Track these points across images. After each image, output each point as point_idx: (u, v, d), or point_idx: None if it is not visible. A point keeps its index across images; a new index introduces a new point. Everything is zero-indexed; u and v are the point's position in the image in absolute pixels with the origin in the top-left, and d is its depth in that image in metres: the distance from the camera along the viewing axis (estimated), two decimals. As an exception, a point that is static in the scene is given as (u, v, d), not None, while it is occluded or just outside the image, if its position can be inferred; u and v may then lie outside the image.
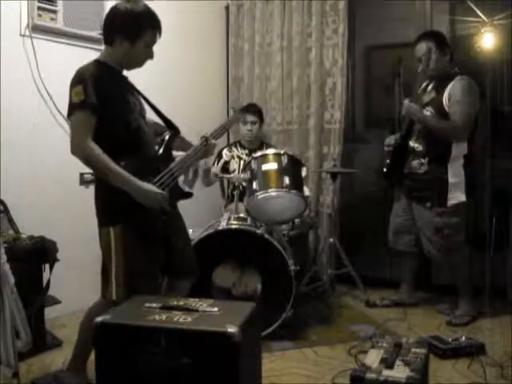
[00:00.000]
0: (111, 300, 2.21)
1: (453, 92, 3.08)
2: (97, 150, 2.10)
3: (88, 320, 2.29)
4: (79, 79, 2.12)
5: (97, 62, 2.24)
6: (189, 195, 2.40)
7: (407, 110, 3.16)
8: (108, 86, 2.17)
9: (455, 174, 3.12)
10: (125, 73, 2.34)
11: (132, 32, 2.19)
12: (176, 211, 2.45)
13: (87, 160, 2.12)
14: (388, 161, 3.33)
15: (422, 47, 3.16)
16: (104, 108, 2.12)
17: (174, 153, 2.43)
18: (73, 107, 2.12)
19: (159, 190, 2.19)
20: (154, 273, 2.28)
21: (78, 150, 2.11)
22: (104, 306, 2.24)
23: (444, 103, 3.10)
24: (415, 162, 3.21)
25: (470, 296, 3.26)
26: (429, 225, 3.20)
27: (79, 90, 2.09)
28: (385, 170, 3.36)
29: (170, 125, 2.42)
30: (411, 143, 3.22)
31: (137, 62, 2.29)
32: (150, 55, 2.28)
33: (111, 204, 2.18)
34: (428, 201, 3.18)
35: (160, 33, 2.28)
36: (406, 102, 3.19)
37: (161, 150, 2.33)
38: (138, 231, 2.18)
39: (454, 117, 3.06)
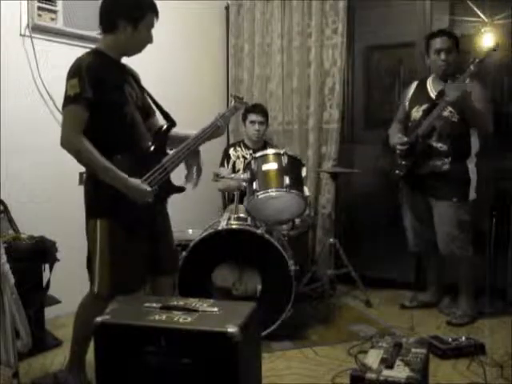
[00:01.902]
0: (94, 293, 2.23)
1: (472, 91, 3.02)
2: (87, 145, 2.10)
3: (79, 316, 2.32)
4: (75, 71, 2.11)
5: (95, 51, 2.24)
6: (181, 190, 2.38)
7: (457, 90, 2.92)
8: (104, 77, 2.16)
9: (472, 171, 3.14)
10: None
11: (135, 15, 2.19)
12: (164, 208, 2.45)
13: (77, 155, 2.13)
14: (404, 162, 3.25)
15: (441, 41, 3.10)
16: (99, 100, 2.12)
17: (185, 131, 2.42)
18: (67, 100, 2.12)
19: (145, 186, 2.19)
20: (138, 267, 2.28)
21: (68, 144, 2.12)
22: (90, 299, 2.28)
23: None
24: (437, 162, 3.15)
25: (471, 296, 3.25)
26: (453, 221, 3.15)
27: (74, 83, 2.09)
28: (398, 171, 3.28)
29: (167, 117, 2.41)
30: (433, 143, 3.15)
31: (139, 47, 2.29)
32: (150, 39, 2.29)
33: (99, 197, 2.20)
34: (454, 196, 3.13)
35: (157, 15, 2.27)
36: (451, 83, 3.01)
37: (154, 145, 2.33)
38: (125, 225, 2.19)
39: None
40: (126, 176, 2.15)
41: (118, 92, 2.22)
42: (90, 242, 2.24)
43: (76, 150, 2.12)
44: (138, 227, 2.24)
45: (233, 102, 2.64)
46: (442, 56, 3.11)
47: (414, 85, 3.36)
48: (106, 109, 2.16)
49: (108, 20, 2.23)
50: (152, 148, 2.31)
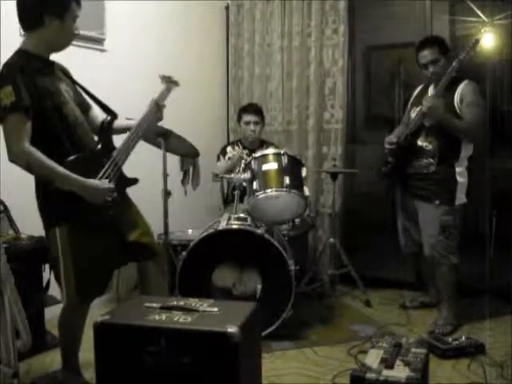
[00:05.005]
0: (65, 303, 2.19)
1: (465, 95, 3.04)
2: (37, 155, 1.99)
3: (61, 324, 2.29)
4: (7, 77, 1.98)
5: (22, 52, 2.11)
6: (135, 181, 2.32)
7: (432, 105, 2.98)
8: (39, 79, 2.05)
9: (462, 174, 3.10)
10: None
11: (60, 7, 2.08)
12: (126, 198, 2.36)
13: (29, 166, 2.01)
14: (390, 159, 3.27)
15: (426, 54, 3.12)
16: (38, 104, 2.02)
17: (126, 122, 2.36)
18: (4, 110, 1.96)
19: (105, 184, 2.12)
20: (104, 269, 2.24)
21: (17, 158, 1.99)
22: (66, 309, 2.24)
23: (456, 106, 3.05)
24: (423, 162, 3.15)
25: (454, 303, 3.18)
26: (434, 223, 3.11)
27: (8, 91, 1.94)
28: (384, 169, 3.31)
29: (105, 109, 2.31)
30: (420, 142, 3.15)
31: (67, 40, 2.19)
32: (77, 30, 2.18)
33: (54, 204, 2.10)
34: (437, 198, 3.09)
35: (79, 4, 2.15)
36: (429, 97, 3.06)
37: (101, 141, 2.24)
38: (85, 228, 2.11)
39: (467, 118, 3.02)
40: (82, 178, 2.06)
41: (56, 93, 2.11)
42: (53, 252, 2.16)
43: (26, 162, 1.99)
44: (100, 227, 2.15)
45: (164, 85, 2.54)
46: (430, 69, 3.12)
47: (420, 87, 3.36)
48: (46, 112, 2.06)
49: (32, 16, 2.09)
50: (100, 145, 2.22)
